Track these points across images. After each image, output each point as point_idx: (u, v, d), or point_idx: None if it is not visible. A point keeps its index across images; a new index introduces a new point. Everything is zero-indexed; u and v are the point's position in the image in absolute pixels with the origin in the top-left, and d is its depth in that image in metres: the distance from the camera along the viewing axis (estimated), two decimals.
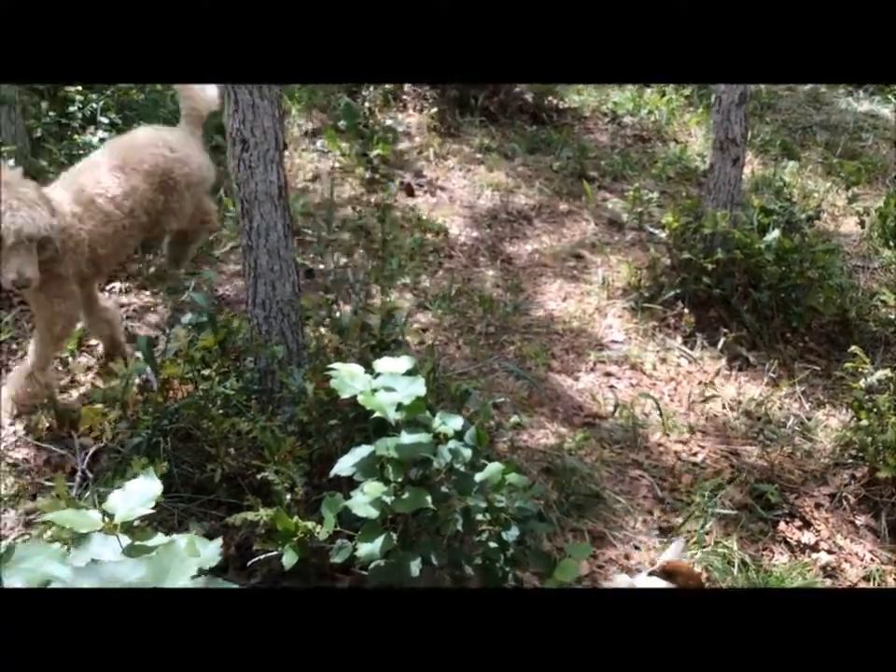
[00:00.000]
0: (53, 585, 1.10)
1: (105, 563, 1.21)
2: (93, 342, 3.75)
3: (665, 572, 2.07)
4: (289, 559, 2.24)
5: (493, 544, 2.31)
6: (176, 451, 2.81)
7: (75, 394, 3.39)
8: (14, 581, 1.02)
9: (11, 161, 4.02)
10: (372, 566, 2.18)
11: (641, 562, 2.79)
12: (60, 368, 3.59)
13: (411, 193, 5.05)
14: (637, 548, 2.84)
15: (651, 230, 4.60)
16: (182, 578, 1.13)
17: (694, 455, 3.25)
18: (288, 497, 2.50)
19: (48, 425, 3.18)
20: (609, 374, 3.72)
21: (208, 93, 3.79)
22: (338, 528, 2.23)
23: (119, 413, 2.79)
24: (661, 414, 3.34)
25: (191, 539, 1.20)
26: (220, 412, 2.77)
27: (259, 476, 2.55)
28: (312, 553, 2.34)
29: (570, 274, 4.47)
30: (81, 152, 4.20)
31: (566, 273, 4.47)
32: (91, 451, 2.86)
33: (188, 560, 1.15)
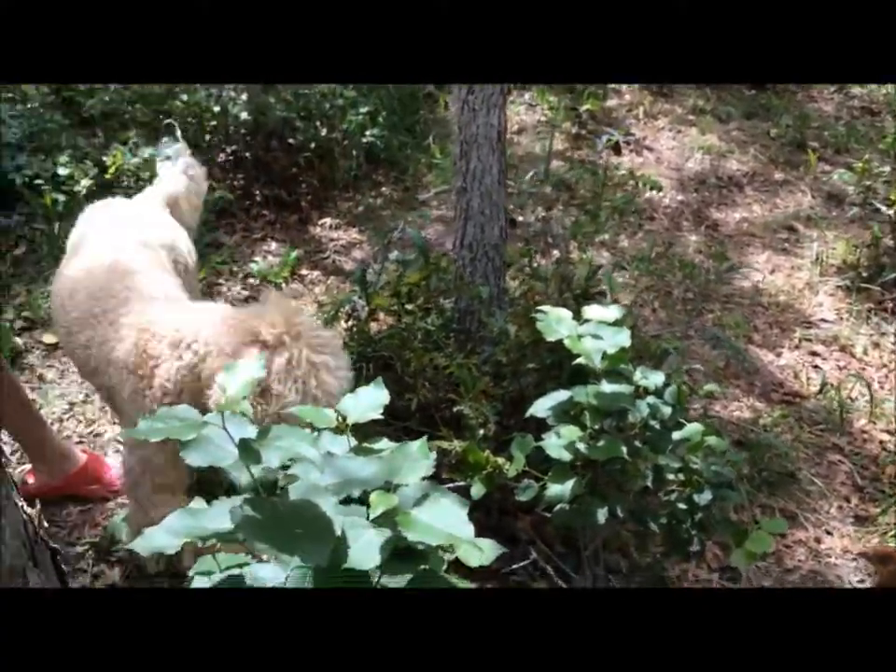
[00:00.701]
0: (299, 467, 1.20)
1: (339, 456, 1.31)
2: (304, 270, 4.00)
3: (877, 557, 1.95)
4: (477, 490, 2.31)
5: (682, 505, 2.28)
6: (377, 377, 2.95)
7: None
8: (270, 457, 1.13)
9: None
10: (558, 507, 2.21)
11: (832, 548, 2.67)
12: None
13: (618, 151, 4.96)
14: (829, 533, 2.72)
15: (878, 205, 4.27)
16: (414, 476, 1.21)
17: None
18: (480, 432, 2.58)
19: None
20: (814, 354, 3.53)
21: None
22: (526, 468, 2.28)
23: None
24: (870, 400, 3.14)
25: (422, 443, 1.27)
26: (420, 346, 2.88)
27: (453, 409, 2.65)
28: (497, 488, 2.41)
29: (781, 247, 4.25)
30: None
31: (775, 245, 4.26)
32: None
33: (420, 461, 1.23)
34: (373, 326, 3.15)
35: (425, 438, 1.31)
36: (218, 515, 1.20)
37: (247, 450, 1.13)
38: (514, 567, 2.51)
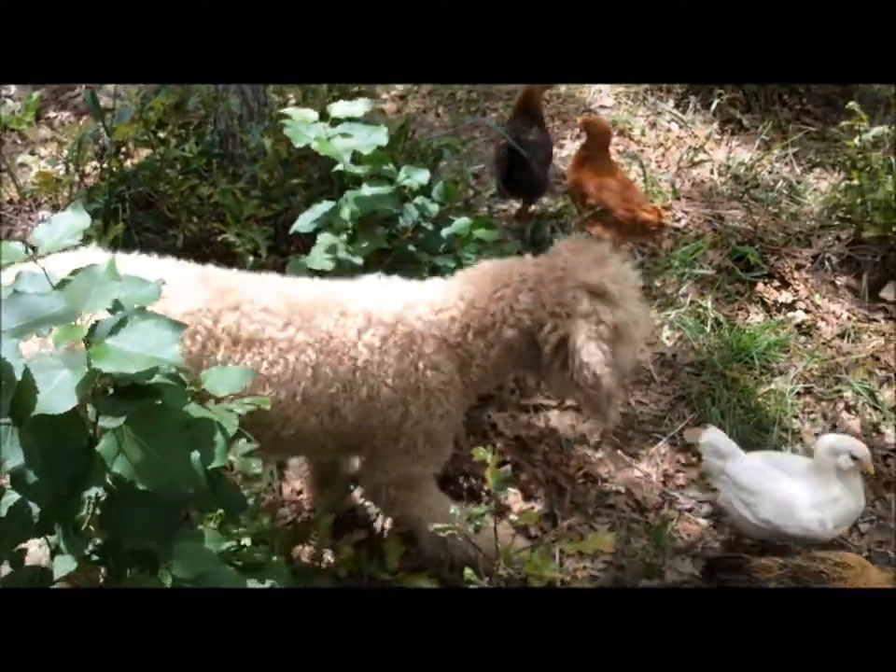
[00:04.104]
0: None
1: (28, 294, 1.14)
2: (52, 112, 3.55)
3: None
4: None
5: None
6: (137, 218, 2.71)
7: (35, 168, 3.24)
8: None
9: None
10: None
11: None
12: (19, 141, 3.43)
13: None
14: None
15: None
16: (103, 302, 1.06)
17: (678, 220, 3.15)
18: (251, 259, 2.43)
19: (8, 198, 3.07)
20: None
21: None
22: None
23: (73, 178, 2.67)
24: (645, 179, 3.21)
25: (111, 263, 1.12)
26: (180, 176, 2.65)
27: (220, 239, 2.47)
28: None
29: None
30: None
31: None
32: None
33: (108, 285, 1.08)
34: (130, 163, 2.86)
35: (113, 257, 1.17)
36: None
37: None
38: None
